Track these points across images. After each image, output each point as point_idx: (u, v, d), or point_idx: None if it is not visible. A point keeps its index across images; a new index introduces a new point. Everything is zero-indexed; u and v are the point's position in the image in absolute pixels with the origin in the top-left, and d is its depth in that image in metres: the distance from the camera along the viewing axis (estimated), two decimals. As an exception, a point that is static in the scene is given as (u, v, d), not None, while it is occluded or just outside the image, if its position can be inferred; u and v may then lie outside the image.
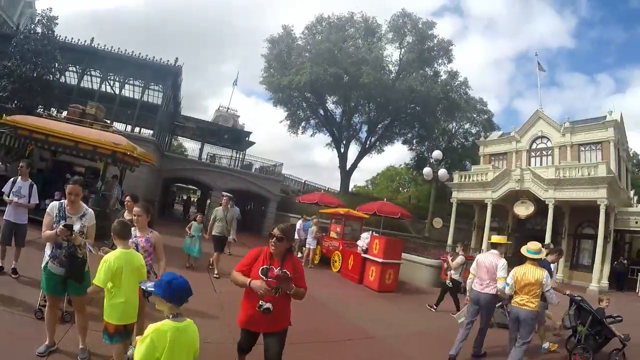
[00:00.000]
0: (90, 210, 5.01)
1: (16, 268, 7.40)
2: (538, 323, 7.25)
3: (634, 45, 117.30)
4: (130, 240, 4.71)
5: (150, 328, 2.90)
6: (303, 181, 40.93)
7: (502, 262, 6.97)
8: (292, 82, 35.33)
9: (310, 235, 15.78)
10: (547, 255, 7.82)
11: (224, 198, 11.84)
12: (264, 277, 3.98)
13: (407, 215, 20.82)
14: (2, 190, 7.83)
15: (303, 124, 44.38)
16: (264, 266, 4.09)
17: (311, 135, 44.62)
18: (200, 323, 6.40)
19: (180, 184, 43.53)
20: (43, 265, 4.75)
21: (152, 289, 3.04)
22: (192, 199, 46.84)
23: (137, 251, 4.77)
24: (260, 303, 3.89)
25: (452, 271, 10.65)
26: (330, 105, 42.89)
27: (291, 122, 43.68)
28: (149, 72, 25.27)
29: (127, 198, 7.03)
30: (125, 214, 6.72)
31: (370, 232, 16.02)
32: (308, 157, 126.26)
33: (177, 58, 24.75)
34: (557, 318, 8.64)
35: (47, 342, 4.67)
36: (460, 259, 10.69)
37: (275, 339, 4.11)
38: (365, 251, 13.60)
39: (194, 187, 47.54)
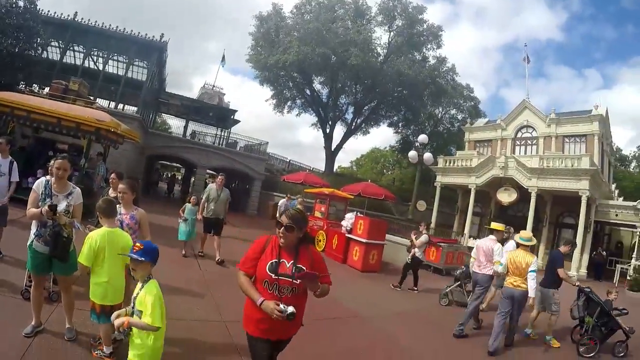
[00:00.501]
0: (77, 189, 4.94)
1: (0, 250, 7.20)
2: (551, 313, 8.07)
3: (623, 43, 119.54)
4: (115, 217, 4.67)
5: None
6: (288, 160, 40.99)
7: (498, 246, 7.93)
8: (279, 61, 35.07)
9: None
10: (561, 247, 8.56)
11: (220, 177, 11.24)
12: (272, 275, 3.25)
13: (391, 197, 21.05)
14: None
15: (289, 103, 44.28)
16: (273, 260, 3.32)
17: (297, 115, 44.52)
18: (186, 301, 6.67)
19: (165, 161, 43.16)
20: (28, 243, 4.74)
21: (143, 258, 3.39)
22: (176, 177, 46.43)
23: (122, 229, 4.78)
24: (282, 307, 3.08)
25: (416, 249, 11.04)
26: (317, 86, 42.85)
27: (277, 101, 43.51)
28: (133, 48, 24.93)
29: (112, 175, 6.82)
30: (110, 191, 6.61)
31: (355, 212, 16.17)
32: (293, 137, 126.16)
33: (162, 34, 24.60)
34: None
35: (33, 323, 4.64)
36: (424, 237, 11.23)
37: (283, 345, 3.54)
38: (350, 231, 13.75)
39: (178, 165, 47.16)
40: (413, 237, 11.52)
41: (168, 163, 46.40)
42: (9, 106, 12.48)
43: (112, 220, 4.45)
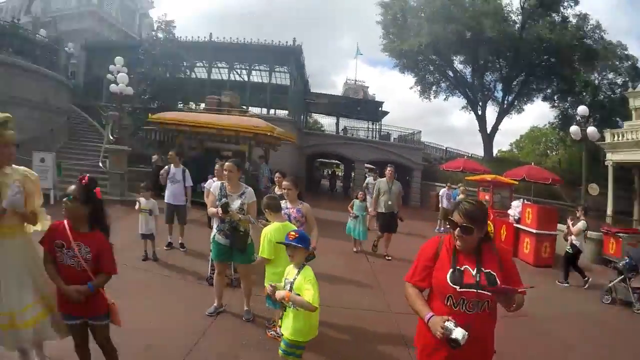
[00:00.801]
0: (249, 189, 5.33)
1: (183, 243, 8.59)
2: None
3: None
4: (282, 212, 4.98)
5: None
6: (444, 148, 39.15)
7: None
8: (412, 45, 33.86)
9: None
10: None
11: (389, 168, 10.45)
12: (457, 287, 2.41)
13: (558, 181, 18.87)
14: (160, 178, 8.88)
15: (434, 88, 41.95)
16: (456, 268, 2.50)
17: (444, 99, 42.21)
18: (354, 292, 6.80)
19: (323, 159, 44.14)
20: (212, 236, 5.42)
21: (300, 245, 3.58)
22: (337, 173, 47.35)
23: (290, 222, 5.04)
24: (448, 325, 2.24)
25: (573, 237, 9.50)
26: (458, 66, 40.08)
27: (422, 88, 41.67)
28: (271, 56, 26.08)
29: (277, 174, 7.38)
30: (276, 189, 7.11)
31: (522, 200, 14.86)
32: (445, 122, 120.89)
33: (294, 38, 25.32)
34: None
35: (215, 304, 5.40)
36: (581, 224, 9.48)
37: None
38: (518, 221, 12.67)
39: (336, 162, 48.18)
40: (569, 222, 10.22)
41: (327, 160, 47.61)
42: (173, 124, 14.73)
43: (279, 215, 4.75)
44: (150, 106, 19.66)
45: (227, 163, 5.27)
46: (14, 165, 3.27)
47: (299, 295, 3.40)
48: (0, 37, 17.29)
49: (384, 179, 10.27)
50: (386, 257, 9.79)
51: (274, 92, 26.93)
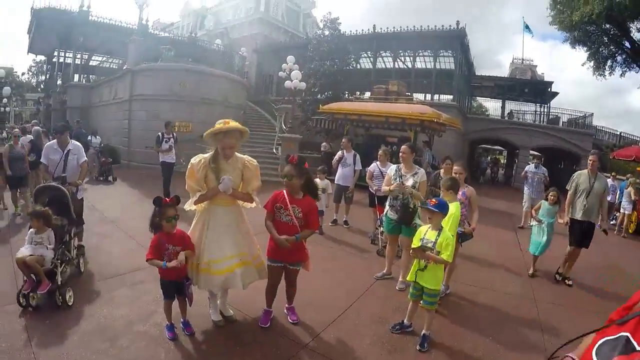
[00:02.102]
0: (421, 170, 5.80)
1: (347, 220, 9.42)
2: None
3: None
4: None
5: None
6: (618, 133, 34.61)
7: None
8: (583, 15, 29.85)
9: (626, 198, 12.62)
10: None
11: (592, 156, 6.96)
12: None
13: None
14: (332, 163, 9.76)
15: (609, 62, 36.90)
16: None
17: (621, 75, 36.77)
18: (503, 277, 6.79)
19: (485, 145, 42.09)
20: (384, 213, 6.03)
21: (438, 210, 4.18)
22: (499, 161, 44.65)
23: None
24: None
25: None
26: (636, 35, 34.71)
27: (595, 63, 36.47)
28: (435, 41, 25.50)
29: (447, 161, 7.22)
30: (442, 172, 7.10)
31: None
32: (622, 104, 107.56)
33: (457, 21, 24.32)
34: None
35: (384, 271, 6.16)
36: None
37: None
38: None
39: (500, 148, 45.59)
40: None
41: (490, 147, 45.26)
42: (343, 113, 15.74)
43: (454, 195, 5.04)
44: (319, 97, 20.87)
45: (402, 146, 5.91)
46: (237, 155, 4.16)
47: (439, 252, 4.06)
48: (180, 49, 19.85)
49: (585, 170, 7.08)
50: (567, 282, 6.78)
51: (438, 77, 26.36)
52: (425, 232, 4.27)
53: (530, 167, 11.42)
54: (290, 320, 4.43)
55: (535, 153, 27.08)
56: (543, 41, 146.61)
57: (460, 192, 5.40)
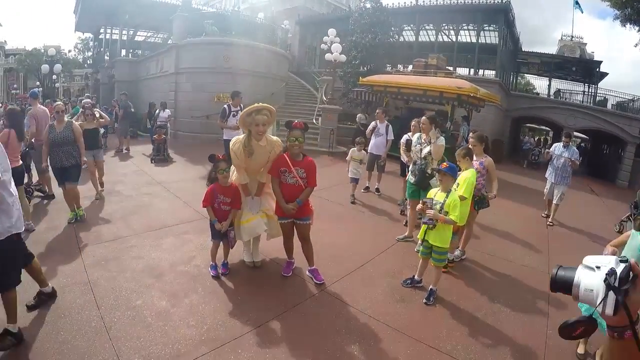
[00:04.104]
0: (440, 137, 6.22)
1: (379, 188, 9.86)
2: None
3: None
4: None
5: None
6: None
7: None
8: None
9: None
10: None
11: None
12: None
13: None
14: (366, 132, 9.99)
15: None
16: None
17: None
18: (521, 250, 6.96)
19: (531, 124, 40.84)
20: (407, 178, 6.59)
21: (449, 172, 4.53)
22: (544, 140, 43.28)
23: None
24: None
25: None
26: None
27: None
28: (479, 15, 24.87)
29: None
30: (470, 146, 7.45)
31: None
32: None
33: None
34: None
35: (406, 233, 6.61)
36: None
37: None
38: None
39: (545, 127, 44.07)
40: None
41: (537, 127, 43.77)
42: (382, 85, 15.89)
43: (470, 162, 5.45)
44: (360, 70, 21.02)
45: (422, 118, 6.28)
46: (268, 136, 4.59)
47: (447, 213, 4.40)
48: (224, 23, 20.65)
49: None
50: None
51: (482, 52, 25.76)
52: (435, 194, 4.63)
53: (556, 148, 9.39)
54: (316, 282, 4.74)
55: (580, 135, 26.21)
56: (599, 19, 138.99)
57: (478, 162, 5.74)
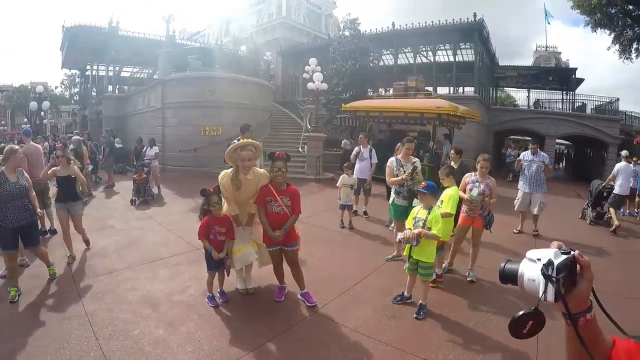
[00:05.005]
0: (417, 159, 6.75)
1: (366, 211, 10.08)
2: None
3: None
4: (475, 185, 5.82)
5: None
6: None
7: None
8: None
9: None
10: None
11: None
12: None
13: None
14: (351, 157, 10.24)
15: (635, 45, 35.19)
16: None
17: None
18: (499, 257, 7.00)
19: (514, 136, 41.26)
20: (390, 201, 6.79)
21: (428, 192, 4.73)
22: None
23: (480, 193, 5.75)
24: None
25: None
26: None
27: (620, 46, 35.09)
28: (454, 35, 25.52)
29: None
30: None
31: None
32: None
33: (474, 13, 24.33)
34: None
35: (394, 253, 6.76)
36: None
37: None
38: None
39: (528, 138, 44.47)
40: None
41: (520, 138, 44.21)
42: (364, 110, 16.31)
43: (452, 180, 5.70)
44: (343, 96, 21.42)
45: (407, 143, 6.73)
46: (255, 169, 4.78)
47: (430, 228, 4.57)
48: (207, 57, 21.02)
49: None
50: None
51: (459, 70, 26.35)
52: (417, 212, 4.84)
53: (525, 155, 9.38)
54: (308, 304, 4.83)
55: (562, 142, 26.63)
56: (576, 26, 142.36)
57: (484, 184, 5.78)
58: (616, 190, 10.06)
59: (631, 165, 11.08)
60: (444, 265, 6.00)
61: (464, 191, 5.83)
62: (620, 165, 10.41)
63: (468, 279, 5.78)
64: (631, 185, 11.24)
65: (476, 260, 5.96)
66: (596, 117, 26.03)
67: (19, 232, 5.05)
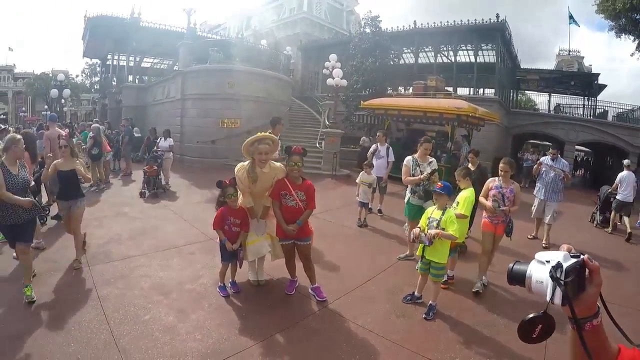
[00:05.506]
0: (433, 159, 6.61)
1: (381, 209, 10.01)
2: None
3: None
4: (497, 189, 5.58)
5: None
6: None
7: None
8: (625, 1, 28.09)
9: None
10: None
11: None
12: None
13: None
14: (367, 155, 10.16)
15: None
16: None
17: None
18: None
19: (534, 140, 40.58)
20: (406, 200, 6.66)
21: (444, 192, 4.72)
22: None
23: (503, 199, 5.51)
24: None
25: None
26: None
27: None
28: (475, 35, 25.22)
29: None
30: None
31: None
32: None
33: (497, 14, 23.95)
34: None
35: (407, 252, 6.67)
36: None
37: None
38: None
39: (547, 143, 43.70)
40: None
41: (540, 142, 43.48)
42: (383, 108, 16.28)
43: (468, 182, 5.68)
44: (362, 93, 21.41)
45: (425, 143, 6.57)
46: (271, 163, 4.76)
47: (444, 229, 4.55)
48: (228, 50, 21.20)
49: None
50: None
51: (480, 71, 26.06)
52: (431, 212, 4.82)
53: (546, 159, 9.07)
54: (318, 299, 4.85)
55: (582, 148, 26.08)
56: (601, 31, 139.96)
57: (508, 189, 5.53)
58: (618, 197, 10.24)
59: (632, 173, 10.71)
60: (483, 279, 5.63)
61: (486, 197, 5.61)
62: (623, 174, 10.46)
63: (474, 290, 5.45)
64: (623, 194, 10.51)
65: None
66: (617, 124, 25.34)
67: (15, 230, 4.57)
